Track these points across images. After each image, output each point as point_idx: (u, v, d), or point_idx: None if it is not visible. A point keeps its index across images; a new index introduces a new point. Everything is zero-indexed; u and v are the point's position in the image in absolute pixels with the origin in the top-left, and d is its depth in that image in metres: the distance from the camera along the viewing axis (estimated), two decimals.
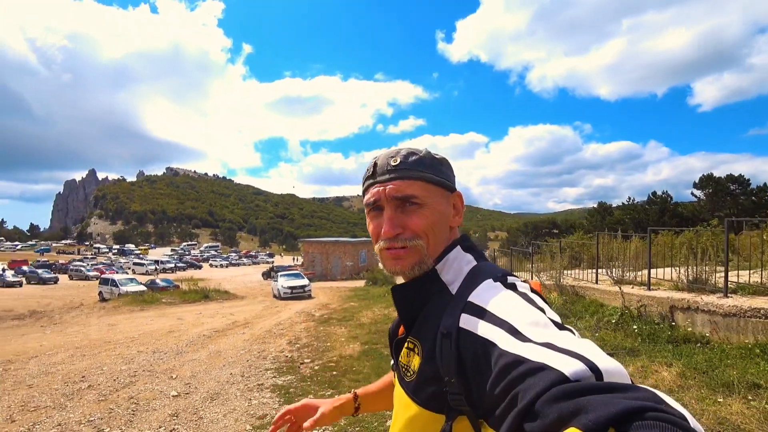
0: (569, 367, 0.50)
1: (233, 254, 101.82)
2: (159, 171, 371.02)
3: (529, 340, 0.58)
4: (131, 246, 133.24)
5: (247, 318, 13.41)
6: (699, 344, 5.93)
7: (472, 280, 0.75)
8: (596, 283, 9.74)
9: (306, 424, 1.01)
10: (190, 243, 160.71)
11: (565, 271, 11.61)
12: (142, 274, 48.45)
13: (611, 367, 0.51)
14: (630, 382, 0.49)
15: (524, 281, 0.75)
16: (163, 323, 12.71)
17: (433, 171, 0.83)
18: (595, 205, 58.06)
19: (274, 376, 6.62)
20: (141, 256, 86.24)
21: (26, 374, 7.29)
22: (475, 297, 0.70)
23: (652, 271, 9.92)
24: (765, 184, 47.43)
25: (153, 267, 56.20)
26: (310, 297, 20.32)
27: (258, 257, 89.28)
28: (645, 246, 10.47)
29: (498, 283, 0.72)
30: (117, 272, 44.53)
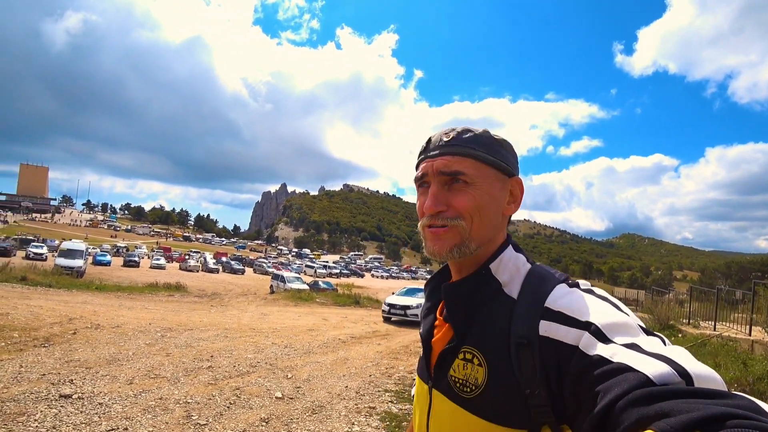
0: (655, 369, 0.47)
1: (395, 267, 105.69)
2: (337, 187, 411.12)
3: (613, 342, 0.55)
4: (307, 250, 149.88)
5: (389, 329, 12.63)
6: None
7: (538, 284, 0.69)
8: (749, 335, 7.79)
9: None
10: (356, 253, 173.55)
11: None
12: (311, 275, 53.10)
13: (703, 372, 0.46)
14: (725, 390, 0.44)
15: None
16: (308, 321, 12.71)
17: (489, 151, 0.75)
18: None
19: (391, 401, 5.46)
20: (313, 259, 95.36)
21: (174, 343, 7.55)
22: (552, 302, 0.65)
23: None
24: None
25: (322, 270, 61.20)
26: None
27: (417, 273, 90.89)
28: None
29: (574, 289, 0.67)
30: (291, 271, 49.67)
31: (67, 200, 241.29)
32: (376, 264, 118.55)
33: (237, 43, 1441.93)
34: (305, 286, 25.66)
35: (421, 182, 0.79)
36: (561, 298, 0.65)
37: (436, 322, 0.82)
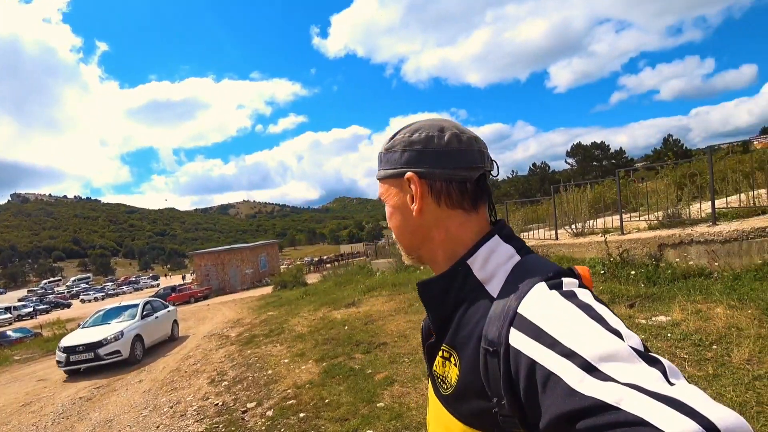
0: (678, 426, 0.39)
1: (109, 284, 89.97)
2: (2, 199, 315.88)
3: (611, 379, 0.45)
4: None
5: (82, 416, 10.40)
6: (702, 276, 5.69)
7: (518, 281, 0.60)
8: (557, 239, 9.19)
9: None
10: (52, 280, 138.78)
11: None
12: None
13: (730, 422, 0.39)
14: None
15: (577, 275, 0.62)
16: (15, 392, 9.18)
17: (383, 165, 0.75)
18: None
19: None
20: None
21: None
22: (526, 309, 0.56)
23: (608, 217, 9.38)
24: (620, 148, 56.87)
25: (6, 316, 46.42)
26: (131, 362, 9.55)
27: (140, 282, 80.00)
28: (593, 196, 10.01)
29: (554, 292, 0.56)
30: None
31: None
32: (84, 285, 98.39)
33: None
34: None
35: None
36: (537, 305, 0.56)
37: (429, 323, 0.77)
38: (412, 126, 0.74)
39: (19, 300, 69.94)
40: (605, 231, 8.38)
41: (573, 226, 9.19)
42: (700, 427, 0.38)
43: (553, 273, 0.61)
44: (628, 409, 0.42)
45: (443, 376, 0.68)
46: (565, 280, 0.59)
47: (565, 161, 60.53)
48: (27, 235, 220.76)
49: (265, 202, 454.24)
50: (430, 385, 0.76)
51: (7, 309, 49.64)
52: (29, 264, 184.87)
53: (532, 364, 0.51)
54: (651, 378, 0.44)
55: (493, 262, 0.66)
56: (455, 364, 0.66)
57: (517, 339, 0.54)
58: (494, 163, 0.74)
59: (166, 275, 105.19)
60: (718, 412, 0.40)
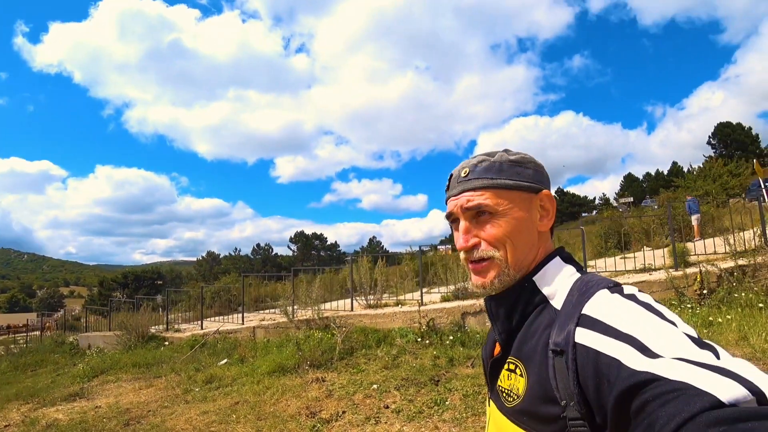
0: (723, 388, 0.42)
1: None
2: None
3: (661, 357, 0.49)
4: None
5: None
6: None
7: (581, 292, 0.67)
8: (352, 310, 9.01)
9: None
10: None
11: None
12: None
13: None
14: None
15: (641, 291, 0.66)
16: None
17: (508, 175, 0.77)
18: (204, 256, 59.87)
19: None
20: None
21: None
22: (590, 309, 0.62)
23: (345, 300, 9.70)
24: (336, 242, 66.91)
25: None
26: None
27: None
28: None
29: (615, 294, 0.64)
30: None
31: None
32: None
33: None
34: None
35: (452, 219, 0.81)
36: (600, 305, 0.62)
37: (496, 338, 0.81)
38: (511, 150, 0.81)
39: None
40: (399, 303, 8.55)
41: (366, 298, 9.04)
42: (748, 392, 0.40)
43: (614, 284, 0.67)
44: (673, 377, 0.45)
45: (509, 390, 0.71)
46: (626, 286, 0.66)
47: (288, 247, 65.49)
48: None
49: None
50: (491, 405, 0.78)
51: None
52: None
53: (597, 355, 0.55)
54: (700, 354, 0.48)
55: (557, 279, 0.73)
56: (521, 375, 0.69)
57: (583, 336, 0.59)
58: None
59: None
60: (765, 379, 0.42)
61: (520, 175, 0.77)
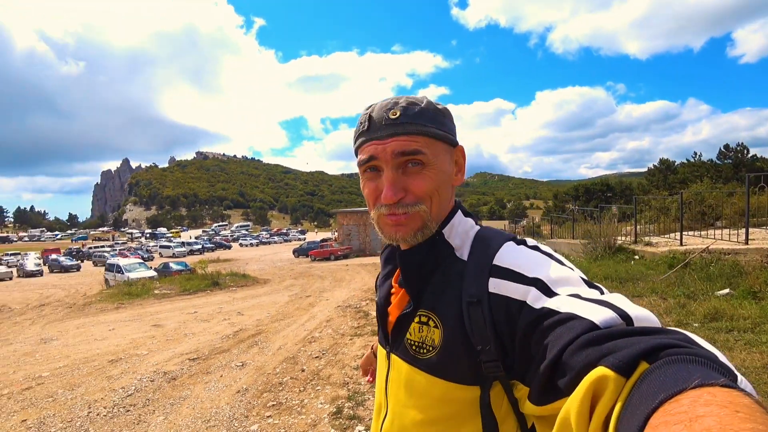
0: (598, 314, 0.49)
1: (264, 233, 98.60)
2: (189, 156, 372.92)
3: (557, 294, 0.57)
4: (163, 229, 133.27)
5: (262, 321, 8.34)
6: None
7: (487, 244, 0.70)
8: (747, 243, 6.94)
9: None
10: (221, 224, 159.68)
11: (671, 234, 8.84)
12: (169, 257, 45.44)
13: (641, 314, 0.50)
14: (661, 326, 0.48)
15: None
16: (125, 335, 7.81)
17: (436, 124, 0.73)
18: (656, 164, 50.44)
19: None
20: (171, 238, 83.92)
21: None
22: (500, 260, 0.66)
23: None
24: None
25: (180, 249, 52.83)
26: None
27: (290, 235, 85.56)
28: None
29: (521, 246, 0.69)
30: (141, 256, 41.24)
31: None
32: (244, 232, 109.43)
33: None
34: (150, 273, 20.11)
35: (367, 167, 0.73)
36: (509, 255, 0.66)
37: (392, 290, 0.82)
38: (424, 97, 0.75)
39: (195, 237, 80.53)
40: None
41: None
42: (617, 315, 0.49)
43: (513, 236, 0.71)
44: (564, 310, 0.53)
45: (420, 342, 0.71)
46: (528, 239, 0.71)
47: None
48: (206, 186, 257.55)
49: None
50: (393, 359, 0.77)
51: (183, 244, 56.79)
52: (206, 209, 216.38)
53: (507, 300, 0.61)
54: (588, 292, 0.56)
55: (462, 232, 0.75)
56: (436, 326, 0.70)
57: (495, 285, 0.63)
58: None
59: (314, 231, 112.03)
60: (633, 307, 0.50)
61: (445, 126, 0.74)
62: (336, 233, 43.89)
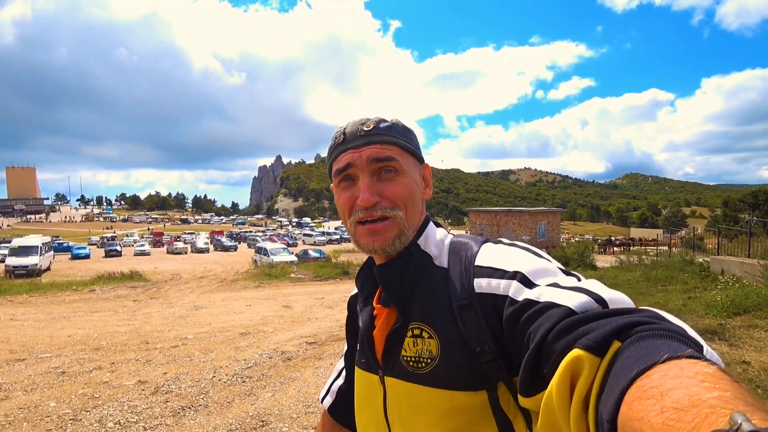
0: (575, 300, 0.52)
1: None
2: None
3: (537, 285, 0.59)
4: (308, 219, 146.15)
5: None
6: None
7: (465, 249, 0.72)
8: None
9: None
10: None
11: None
12: (311, 244, 49.54)
13: (615, 296, 0.53)
14: (634, 307, 0.50)
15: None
16: (257, 312, 8.54)
17: (406, 138, 0.77)
18: None
19: None
20: (313, 227, 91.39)
21: None
22: (481, 260, 0.68)
23: None
24: None
25: (321, 237, 57.38)
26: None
27: None
28: None
29: (499, 244, 0.72)
30: (287, 242, 45.89)
31: (61, 198, 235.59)
32: None
33: (200, 16, 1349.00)
34: (291, 258, 22.24)
35: (343, 176, 0.75)
36: (488, 254, 0.69)
37: (375, 311, 0.79)
38: (394, 117, 0.79)
39: (335, 228, 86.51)
40: None
41: None
42: (591, 299, 0.51)
43: (486, 238, 0.75)
44: (543, 299, 0.55)
45: (417, 356, 0.69)
46: (503, 239, 0.74)
47: None
48: None
49: (546, 171, 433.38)
50: (388, 382, 0.73)
51: (324, 233, 61.51)
52: None
53: (494, 297, 0.63)
54: (566, 280, 0.59)
55: (437, 241, 0.77)
56: (431, 337, 0.69)
57: (482, 284, 0.65)
58: None
59: (448, 229, 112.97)
60: (608, 291, 0.53)
61: (414, 142, 0.78)
62: (468, 232, 43.17)
